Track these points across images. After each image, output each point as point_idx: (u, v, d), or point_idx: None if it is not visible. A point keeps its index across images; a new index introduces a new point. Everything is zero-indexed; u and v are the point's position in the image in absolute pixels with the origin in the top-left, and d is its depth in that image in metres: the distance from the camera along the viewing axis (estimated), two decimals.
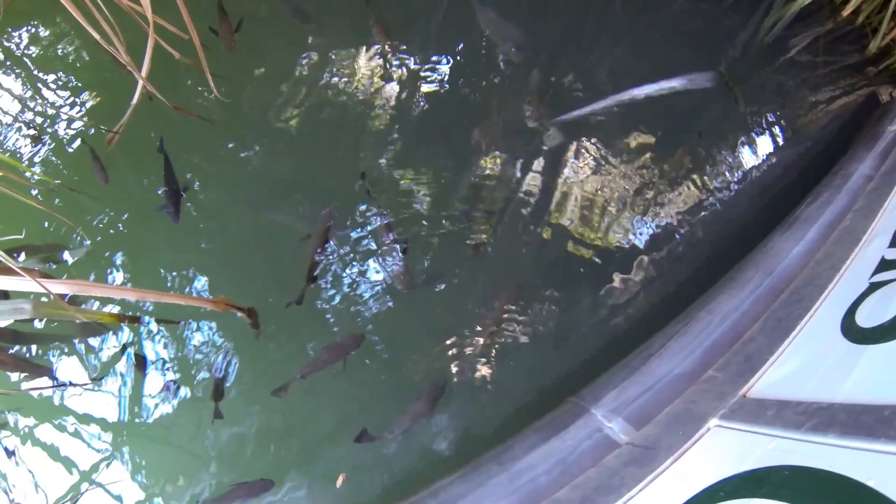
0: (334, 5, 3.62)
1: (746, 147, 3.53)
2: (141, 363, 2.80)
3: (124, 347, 2.83)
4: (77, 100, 3.34)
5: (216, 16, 3.31)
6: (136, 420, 2.77)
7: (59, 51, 3.49)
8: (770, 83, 3.71)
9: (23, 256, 2.84)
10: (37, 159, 3.22)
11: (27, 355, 2.85)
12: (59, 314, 2.48)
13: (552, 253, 3.13)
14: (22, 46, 3.53)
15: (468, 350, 2.84)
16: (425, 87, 3.41)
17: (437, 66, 3.46)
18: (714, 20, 3.77)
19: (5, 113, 3.34)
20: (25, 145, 3.25)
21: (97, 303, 2.91)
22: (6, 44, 3.52)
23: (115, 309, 2.87)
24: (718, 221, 3.29)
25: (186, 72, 3.14)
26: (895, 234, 2.29)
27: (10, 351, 2.80)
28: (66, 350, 2.87)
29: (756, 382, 1.97)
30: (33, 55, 3.50)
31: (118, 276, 2.98)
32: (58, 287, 2.05)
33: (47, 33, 3.55)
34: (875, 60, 3.80)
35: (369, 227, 3.06)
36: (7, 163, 2.77)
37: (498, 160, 3.26)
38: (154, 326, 2.87)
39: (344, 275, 2.97)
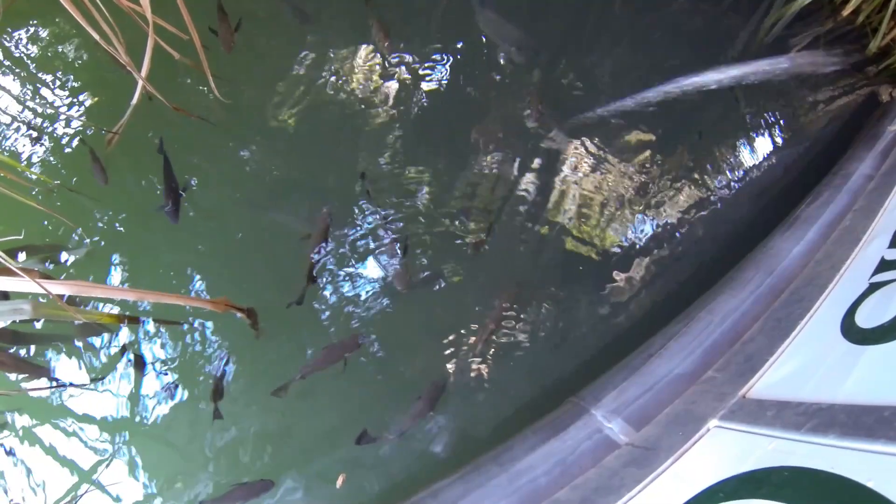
0: (334, 5, 3.62)
1: (746, 147, 3.53)
2: (140, 364, 2.80)
3: (124, 348, 2.83)
4: (77, 100, 3.34)
5: (215, 16, 3.31)
6: (136, 420, 2.76)
7: (59, 51, 3.49)
8: (770, 83, 3.70)
9: (22, 256, 2.84)
10: (36, 159, 3.22)
11: (27, 356, 2.85)
12: (58, 315, 2.48)
13: (552, 253, 3.13)
14: (22, 46, 3.53)
15: (468, 350, 2.84)
16: (425, 87, 3.41)
17: (437, 66, 3.46)
18: (714, 20, 3.77)
19: (5, 113, 3.34)
20: (25, 145, 3.25)
21: (99, 303, 2.91)
22: (6, 44, 3.52)
23: (115, 309, 2.87)
24: (718, 221, 3.29)
25: (186, 72, 3.14)
26: (895, 235, 2.28)
27: (10, 351, 2.79)
28: (65, 350, 2.86)
29: (756, 383, 1.97)
30: (33, 55, 3.50)
31: (118, 277, 2.98)
32: (57, 288, 2.05)
33: (47, 33, 3.55)
34: (875, 60, 3.80)
35: (369, 227, 3.06)
36: (7, 163, 2.77)
37: (497, 160, 3.26)
38: (154, 327, 2.86)
39: (343, 275, 2.97)
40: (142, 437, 2.75)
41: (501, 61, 3.49)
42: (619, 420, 2.16)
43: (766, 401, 1.82)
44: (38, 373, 2.79)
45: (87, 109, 3.32)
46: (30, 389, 2.80)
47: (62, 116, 3.30)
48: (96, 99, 3.35)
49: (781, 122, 3.64)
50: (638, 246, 3.17)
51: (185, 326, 2.85)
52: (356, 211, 3.08)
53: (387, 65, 3.46)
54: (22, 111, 3.35)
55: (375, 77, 3.43)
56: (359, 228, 3.06)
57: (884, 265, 2.12)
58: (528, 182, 3.24)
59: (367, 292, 2.95)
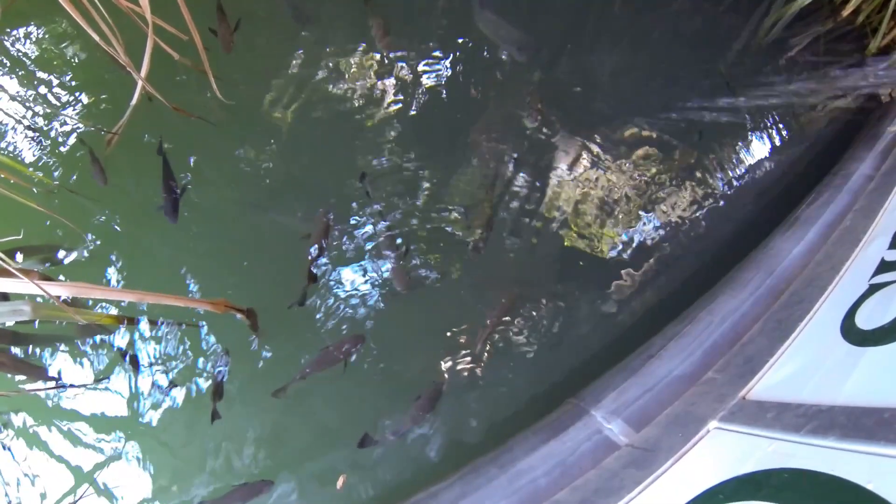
0: (333, 5, 3.62)
1: (746, 147, 3.52)
2: (139, 365, 2.80)
3: (123, 349, 2.82)
4: (76, 100, 3.34)
5: (215, 17, 3.30)
6: (135, 421, 2.76)
7: (59, 51, 3.48)
8: (771, 82, 3.70)
9: (20, 257, 2.83)
10: (36, 160, 3.21)
11: (26, 356, 2.85)
12: (57, 316, 2.48)
13: (552, 253, 3.12)
14: (21, 47, 3.52)
15: (467, 350, 2.84)
16: (425, 87, 3.40)
17: (437, 66, 3.45)
18: (714, 20, 3.77)
19: (4, 113, 3.33)
20: (25, 146, 3.25)
21: (99, 303, 2.91)
22: (6, 44, 3.52)
23: (114, 310, 2.87)
24: (718, 221, 3.29)
25: (186, 72, 3.13)
26: (895, 236, 2.28)
27: (10, 352, 2.79)
28: (65, 351, 2.86)
29: (756, 384, 1.97)
30: (33, 55, 3.50)
31: (117, 277, 2.97)
32: (56, 289, 2.04)
33: (47, 34, 3.55)
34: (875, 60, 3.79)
35: (368, 228, 3.05)
36: (6, 163, 2.77)
37: (497, 160, 3.26)
38: (153, 328, 2.86)
39: (343, 276, 2.97)
40: (140, 438, 2.75)
41: (501, 61, 3.49)
42: (619, 421, 2.16)
43: (766, 402, 1.82)
44: (37, 374, 2.79)
45: (86, 110, 3.32)
46: (30, 390, 2.80)
47: (62, 117, 3.30)
48: (96, 99, 3.35)
49: (782, 121, 3.63)
50: (637, 246, 3.16)
51: (185, 327, 2.85)
52: (356, 211, 3.08)
53: (386, 64, 3.46)
54: (21, 111, 3.35)
55: (375, 77, 3.42)
56: (358, 229, 3.06)
57: (884, 266, 2.11)
58: (528, 182, 3.24)
59: (367, 293, 2.95)
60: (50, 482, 2.71)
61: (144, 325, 2.85)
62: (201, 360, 2.83)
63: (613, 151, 3.35)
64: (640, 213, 3.24)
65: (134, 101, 2.85)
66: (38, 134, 3.26)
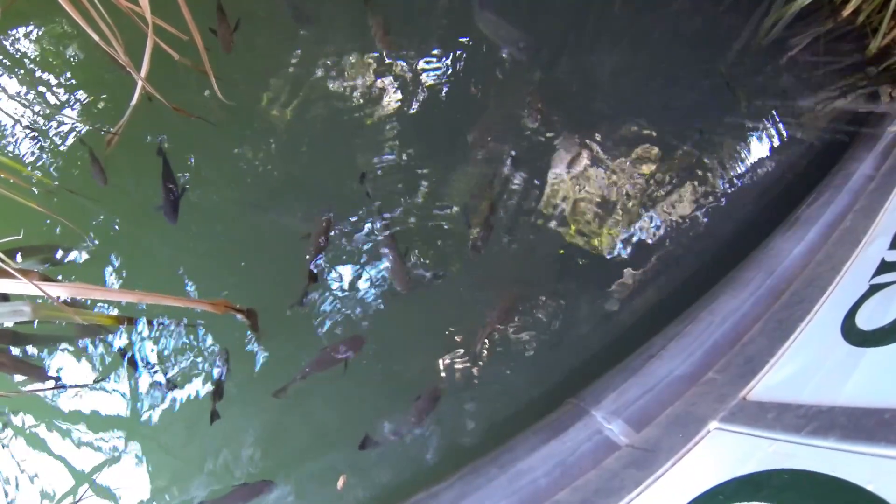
0: (334, 5, 3.61)
1: (747, 146, 3.52)
2: (138, 365, 2.80)
3: (123, 349, 2.82)
4: (76, 100, 3.34)
5: (215, 17, 3.30)
6: (135, 421, 2.76)
7: (59, 51, 3.48)
8: (771, 82, 3.70)
9: (19, 257, 2.83)
10: (36, 160, 3.21)
11: (26, 356, 2.85)
12: (57, 316, 2.48)
13: (552, 252, 3.12)
14: (21, 47, 3.52)
15: (467, 351, 2.84)
16: (425, 87, 3.40)
17: (438, 66, 3.45)
18: (714, 20, 3.76)
19: (4, 113, 3.33)
20: (24, 146, 3.25)
21: (98, 303, 2.90)
22: (6, 44, 3.51)
23: (114, 311, 2.86)
24: (719, 221, 3.28)
25: (186, 72, 3.13)
26: (895, 236, 2.28)
27: (10, 352, 2.79)
28: (65, 351, 2.86)
29: (756, 385, 1.97)
30: (33, 55, 3.49)
31: (117, 277, 2.97)
32: (56, 290, 2.04)
33: (47, 34, 3.55)
34: (875, 60, 3.79)
35: (369, 228, 3.05)
36: (6, 164, 2.77)
37: (497, 160, 3.25)
38: (153, 328, 2.86)
39: (343, 276, 2.97)
40: (140, 439, 2.75)
41: (501, 61, 3.48)
42: (620, 421, 2.16)
43: (766, 403, 1.82)
44: (37, 374, 2.79)
45: (86, 110, 3.32)
46: (30, 391, 2.80)
47: (61, 117, 3.30)
48: (95, 99, 3.35)
49: (782, 121, 3.63)
50: (638, 246, 3.16)
51: (185, 327, 2.85)
52: (356, 211, 3.08)
53: (386, 64, 3.46)
54: (21, 111, 3.35)
55: (375, 77, 3.42)
56: (358, 229, 3.05)
57: (884, 267, 2.11)
58: (528, 181, 3.23)
59: (366, 293, 2.95)
60: (50, 483, 2.71)
61: (144, 326, 2.85)
62: (201, 360, 2.83)
63: (613, 151, 3.35)
64: (641, 212, 3.24)
65: (134, 101, 2.85)
66: (38, 134, 3.26)
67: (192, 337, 2.86)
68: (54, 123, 3.28)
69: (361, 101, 3.37)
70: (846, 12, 3.58)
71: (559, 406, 2.48)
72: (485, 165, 3.24)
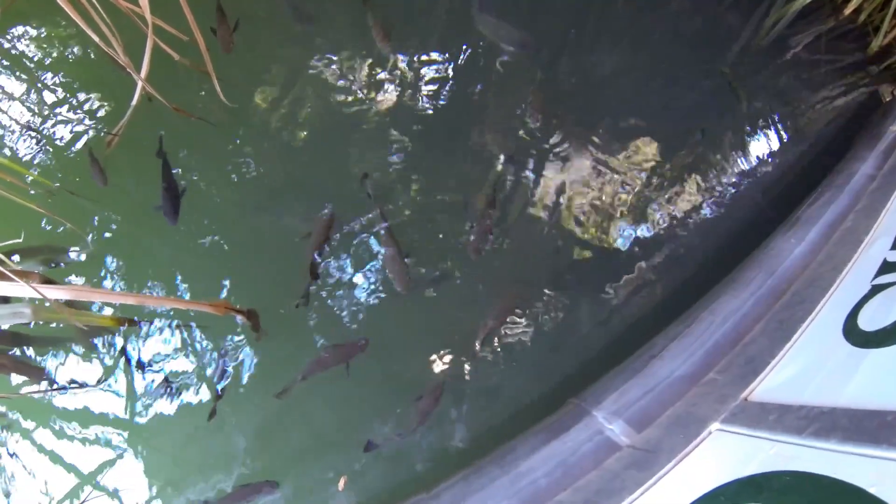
0: (334, 5, 3.60)
1: (748, 146, 3.52)
2: (138, 366, 2.80)
3: (123, 350, 2.82)
4: (76, 101, 3.33)
5: (214, 17, 3.29)
6: (136, 422, 2.76)
7: (59, 52, 3.47)
8: (772, 82, 3.69)
9: (19, 259, 2.83)
10: (35, 161, 3.21)
11: (26, 358, 2.85)
12: (58, 318, 2.48)
13: (552, 253, 3.12)
14: (21, 47, 3.51)
15: (468, 351, 2.84)
16: (426, 88, 3.39)
17: (438, 66, 3.45)
18: (715, 19, 3.76)
19: (4, 114, 3.33)
20: (24, 147, 3.24)
21: (98, 304, 2.90)
22: (6, 45, 3.51)
23: (115, 312, 2.86)
24: (720, 221, 3.28)
25: (186, 73, 3.13)
26: None
27: (10, 353, 2.79)
28: (65, 352, 2.86)
29: (758, 386, 1.96)
30: (32, 56, 3.48)
31: (117, 278, 2.97)
32: (55, 293, 2.04)
33: (47, 34, 3.54)
34: (877, 59, 3.79)
35: (369, 229, 3.05)
36: (5, 165, 2.76)
37: (498, 160, 3.25)
38: (153, 329, 2.86)
39: (343, 276, 2.97)
40: (141, 440, 2.75)
41: (501, 61, 3.48)
42: (621, 422, 2.16)
43: (767, 404, 1.82)
44: (37, 375, 2.79)
45: (86, 110, 3.31)
46: (30, 392, 2.80)
47: (62, 118, 3.29)
48: (96, 100, 3.34)
49: (783, 120, 3.63)
50: (638, 246, 3.16)
51: (185, 328, 2.85)
52: (356, 211, 3.07)
53: (386, 64, 3.45)
54: (21, 112, 3.34)
55: (376, 77, 3.42)
56: (358, 229, 3.05)
57: (886, 267, 2.11)
58: (528, 182, 3.23)
59: (367, 293, 2.94)
60: (50, 483, 2.71)
61: (144, 327, 2.85)
62: (202, 360, 2.83)
63: (614, 151, 3.34)
64: (641, 212, 3.23)
65: (134, 102, 2.85)
66: (37, 134, 3.26)
67: (192, 337, 2.86)
68: (54, 124, 3.28)
69: (362, 100, 3.36)
70: (847, 11, 3.58)
71: (560, 406, 2.48)
72: (485, 165, 3.24)
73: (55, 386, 2.79)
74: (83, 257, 2.98)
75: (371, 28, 3.43)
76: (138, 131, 3.08)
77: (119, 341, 2.85)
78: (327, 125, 3.31)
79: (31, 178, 3.07)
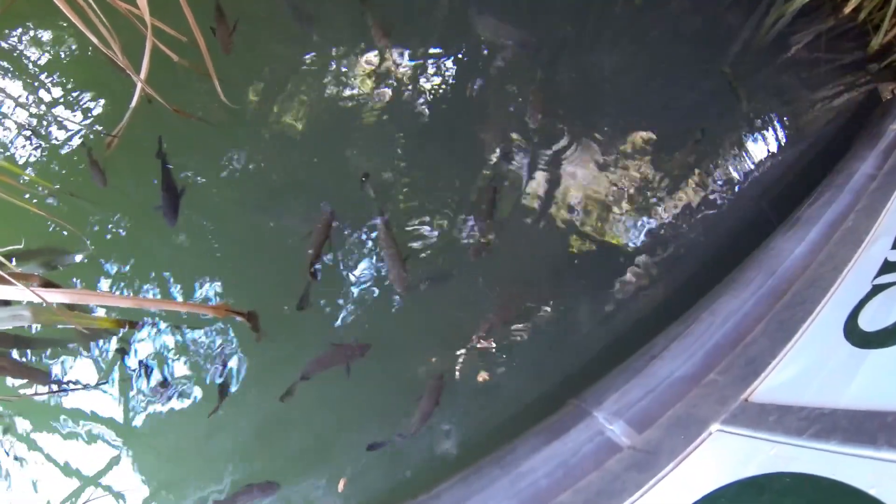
0: (333, 5, 3.60)
1: (748, 145, 3.51)
2: (138, 367, 2.80)
3: (123, 352, 2.82)
4: (75, 102, 3.33)
5: (214, 17, 3.29)
6: (137, 424, 2.77)
7: (58, 53, 3.47)
8: (772, 81, 3.69)
9: (14, 262, 2.82)
10: (35, 163, 3.20)
11: (26, 360, 2.85)
12: (58, 321, 2.48)
13: (553, 253, 3.12)
14: (20, 48, 3.51)
15: (469, 351, 2.84)
16: (426, 88, 3.39)
17: (438, 66, 3.44)
18: (715, 18, 3.75)
19: (3, 115, 3.32)
20: (23, 148, 3.24)
21: (99, 307, 2.90)
22: (5, 46, 3.50)
23: (114, 313, 2.86)
24: (720, 221, 3.28)
25: (186, 73, 3.12)
26: None
27: (11, 356, 2.79)
28: (66, 354, 2.86)
29: (758, 386, 1.96)
30: (32, 57, 3.48)
31: (117, 279, 2.97)
32: (55, 296, 2.04)
33: (46, 35, 3.53)
34: (877, 57, 3.78)
35: (368, 228, 3.05)
36: (4, 167, 2.76)
37: (498, 160, 3.25)
38: (153, 331, 2.86)
39: (343, 276, 2.97)
40: (142, 441, 2.75)
41: (501, 61, 3.47)
42: (621, 422, 2.16)
43: (768, 405, 1.82)
44: (37, 377, 2.79)
45: (85, 111, 3.31)
46: (30, 394, 2.80)
47: (61, 119, 3.29)
48: (95, 101, 3.33)
49: (783, 119, 3.62)
50: (639, 246, 3.16)
51: (185, 329, 2.85)
52: (356, 211, 3.07)
53: (386, 64, 3.44)
54: (20, 113, 3.34)
55: (375, 77, 3.41)
56: (359, 229, 3.05)
57: (887, 267, 2.10)
58: (528, 182, 3.23)
59: (366, 293, 2.94)
60: (49, 484, 2.72)
61: (145, 328, 2.85)
62: (202, 361, 2.83)
63: (614, 151, 3.34)
64: (642, 212, 3.23)
65: (134, 103, 2.84)
66: (36, 136, 3.25)
67: (192, 339, 2.86)
68: (54, 125, 3.28)
69: (362, 100, 3.35)
70: (847, 9, 3.57)
71: (561, 407, 2.48)
72: (485, 165, 3.23)
73: (56, 388, 2.79)
74: (83, 259, 2.97)
75: (370, 28, 3.42)
76: (138, 132, 3.08)
77: (119, 343, 2.85)
78: (327, 125, 3.31)
79: (30, 179, 3.07)
